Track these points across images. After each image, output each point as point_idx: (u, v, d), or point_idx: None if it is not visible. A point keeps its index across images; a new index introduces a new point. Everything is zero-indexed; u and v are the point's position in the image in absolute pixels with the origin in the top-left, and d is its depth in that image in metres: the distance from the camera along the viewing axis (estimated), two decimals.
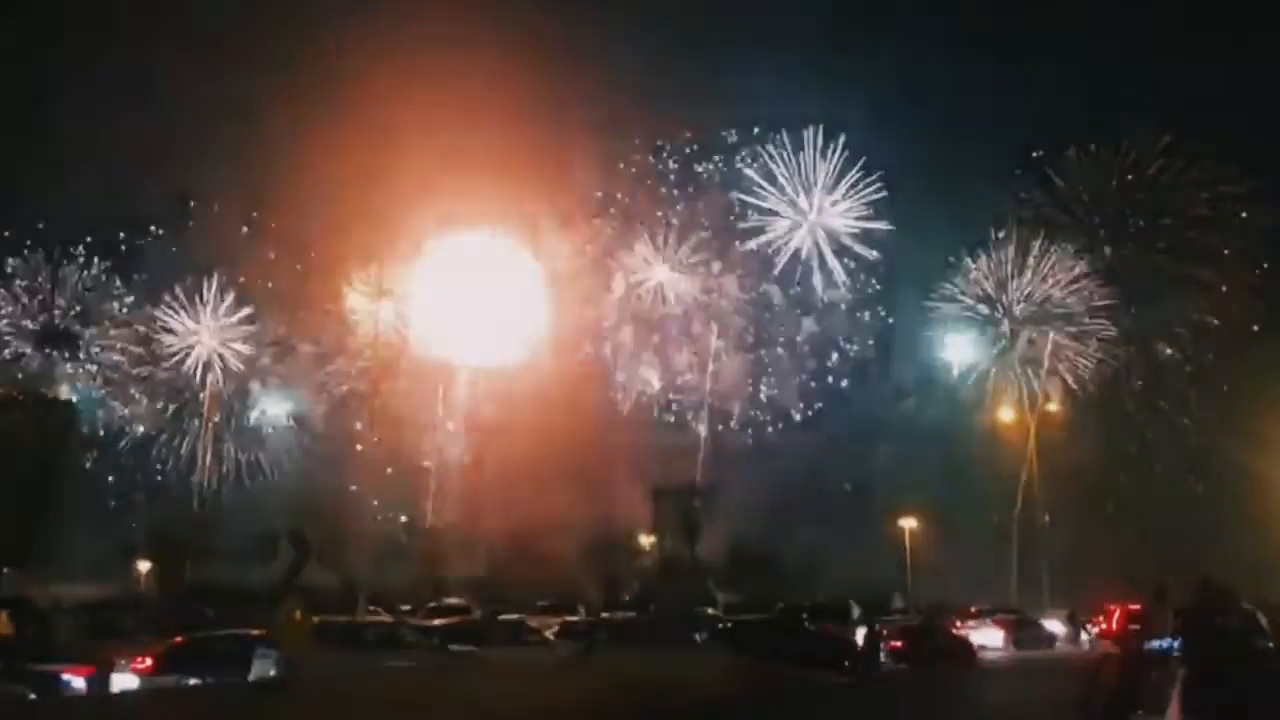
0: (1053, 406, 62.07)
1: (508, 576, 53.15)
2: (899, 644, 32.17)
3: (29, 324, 60.39)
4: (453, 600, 47.58)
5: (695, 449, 63.70)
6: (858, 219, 63.33)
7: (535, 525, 55.19)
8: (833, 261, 64.07)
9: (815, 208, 63.86)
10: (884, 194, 62.60)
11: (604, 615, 42.61)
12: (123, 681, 23.73)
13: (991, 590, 56.59)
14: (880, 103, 60.68)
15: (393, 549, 54.40)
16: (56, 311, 60.62)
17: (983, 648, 38.31)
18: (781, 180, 63.40)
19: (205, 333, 60.90)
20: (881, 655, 30.43)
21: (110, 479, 59.98)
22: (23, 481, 44.13)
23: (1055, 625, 45.13)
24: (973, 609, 47.87)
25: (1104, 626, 38.26)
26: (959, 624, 41.98)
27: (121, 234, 62.45)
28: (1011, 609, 47.75)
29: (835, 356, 64.88)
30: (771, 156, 63.40)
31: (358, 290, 61.06)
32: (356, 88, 53.38)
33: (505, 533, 55.79)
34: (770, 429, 63.95)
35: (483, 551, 56.57)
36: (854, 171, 62.95)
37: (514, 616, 37.92)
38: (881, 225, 63.06)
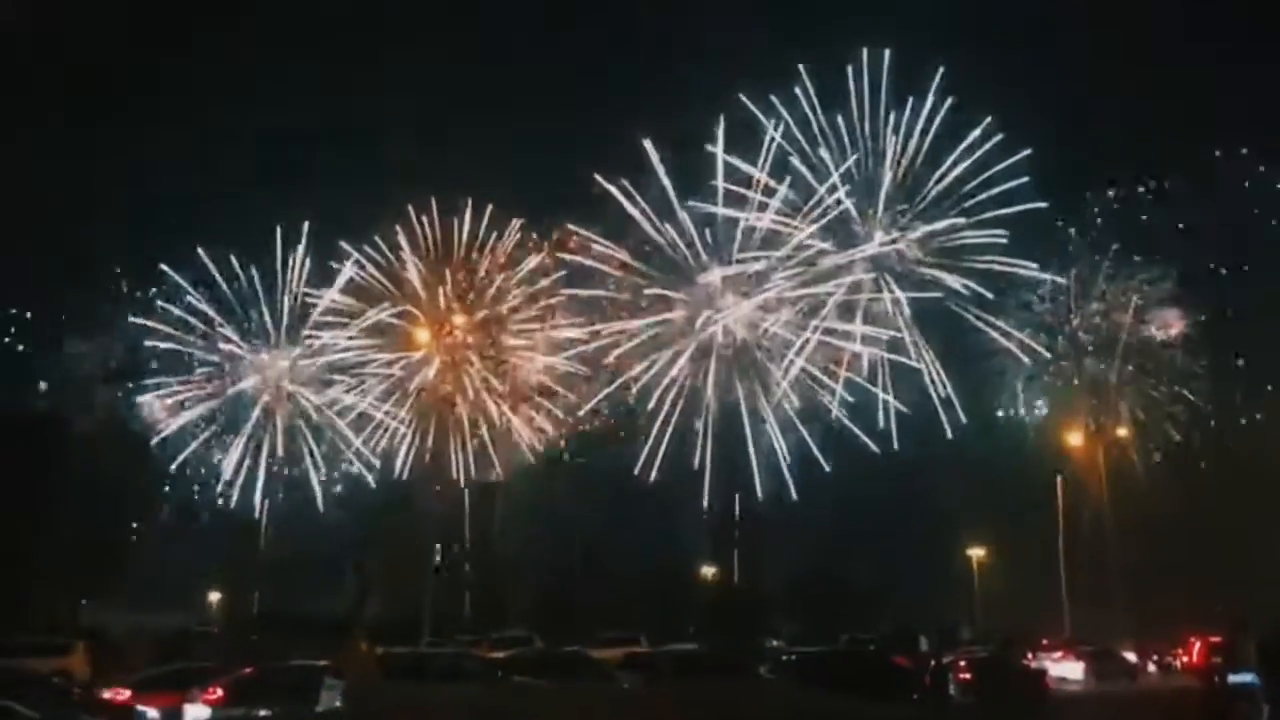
0: (1122, 431, 60.73)
1: (569, 607, 53.17)
2: (968, 676, 31.45)
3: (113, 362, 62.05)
4: (514, 632, 47.74)
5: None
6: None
7: (597, 554, 55.43)
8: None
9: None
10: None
11: (666, 647, 42.35)
12: (194, 713, 24.11)
13: (1061, 622, 55.35)
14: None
15: (455, 580, 54.76)
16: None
17: (1063, 680, 37.37)
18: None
19: (275, 364, 62.36)
20: (951, 687, 29.80)
21: (183, 511, 61.16)
22: (103, 513, 45.29)
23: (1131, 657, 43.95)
24: (1044, 640, 46.85)
25: (1184, 659, 37.08)
26: (1035, 656, 41.03)
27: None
28: (1083, 641, 46.57)
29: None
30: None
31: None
32: None
33: (567, 562, 55.90)
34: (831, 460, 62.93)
35: (544, 582, 56.67)
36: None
37: (575, 648, 37.88)
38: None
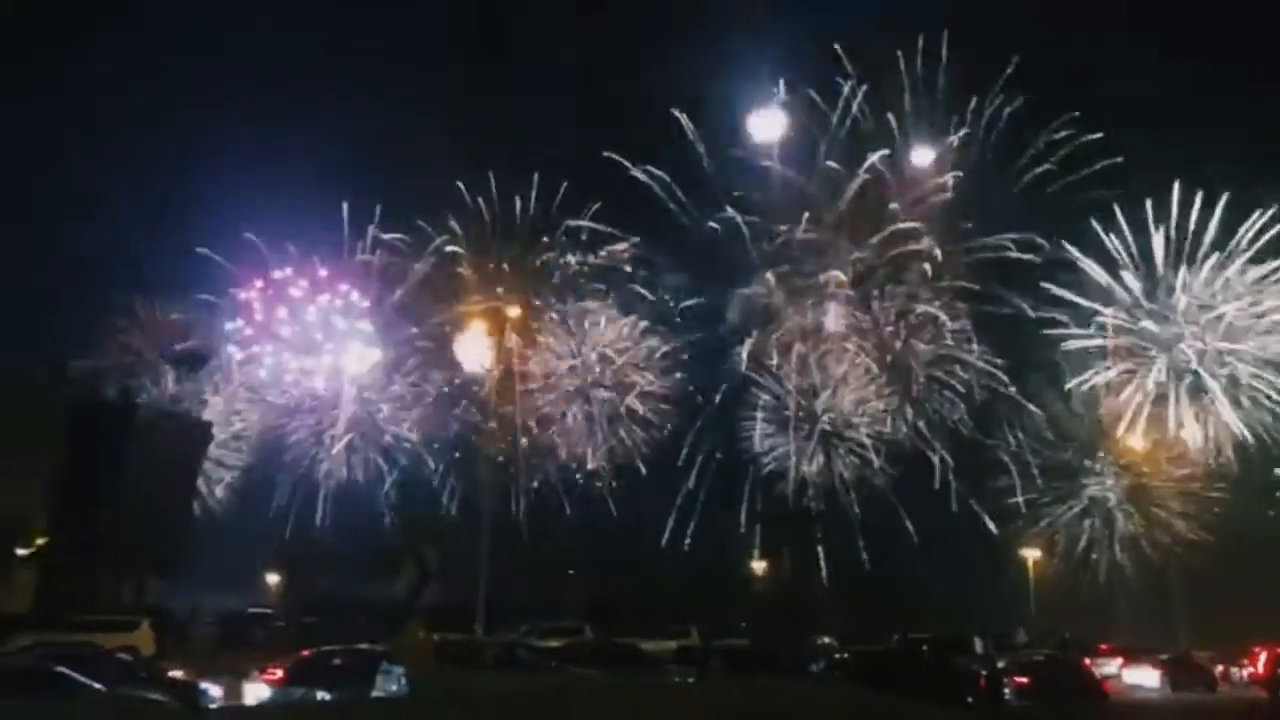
0: (1186, 434, 59.32)
1: (622, 599, 53.34)
2: (1025, 680, 31.03)
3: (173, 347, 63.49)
4: (567, 622, 48.00)
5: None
6: None
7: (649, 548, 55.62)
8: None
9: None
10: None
11: (717, 641, 42.32)
12: (254, 691, 24.63)
13: (1122, 627, 54.42)
14: None
15: (509, 568, 55.05)
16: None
17: (1137, 687, 36.67)
18: None
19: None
20: (1006, 692, 29.42)
21: (243, 494, 62.35)
22: (168, 496, 46.24)
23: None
24: (1101, 646, 46.06)
25: (1251, 670, 36.15)
26: (1094, 661, 40.38)
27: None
28: (1138, 646, 45.61)
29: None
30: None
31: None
32: None
33: (620, 555, 56.04)
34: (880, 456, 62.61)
35: (598, 574, 56.89)
36: None
37: (627, 640, 38.01)
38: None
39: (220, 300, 64.09)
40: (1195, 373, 57.94)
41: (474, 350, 59.56)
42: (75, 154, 61.35)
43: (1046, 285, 58.54)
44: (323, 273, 64.44)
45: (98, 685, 20.24)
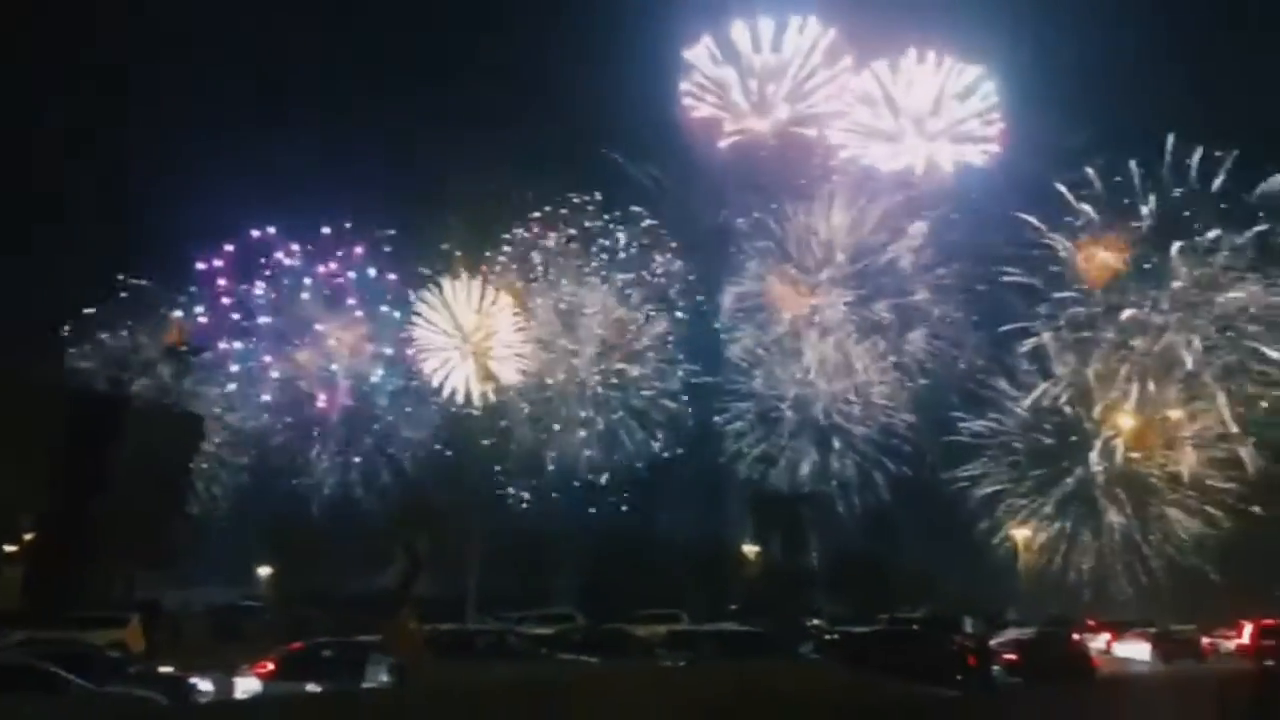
0: (1172, 414, 59.65)
1: (612, 585, 53.47)
2: (1013, 657, 31.24)
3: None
4: (557, 609, 48.07)
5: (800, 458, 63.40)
6: None
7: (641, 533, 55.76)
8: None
9: None
10: None
11: (708, 625, 42.43)
12: (245, 685, 24.57)
13: (1111, 602, 54.84)
14: None
15: (499, 556, 55.10)
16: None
17: (1129, 661, 37.00)
18: None
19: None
20: (994, 668, 29.63)
21: (234, 487, 62.30)
22: (158, 488, 46.04)
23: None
24: (1090, 621, 46.38)
25: (1237, 642, 36.45)
26: (1099, 635, 40.77)
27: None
28: (1126, 621, 45.97)
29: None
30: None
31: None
32: None
33: (611, 539, 56.16)
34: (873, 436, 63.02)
35: (588, 560, 57.00)
36: None
37: (617, 625, 38.08)
38: None
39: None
40: None
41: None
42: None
43: None
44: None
45: (86, 683, 20.18)
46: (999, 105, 63.98)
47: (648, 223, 64.65)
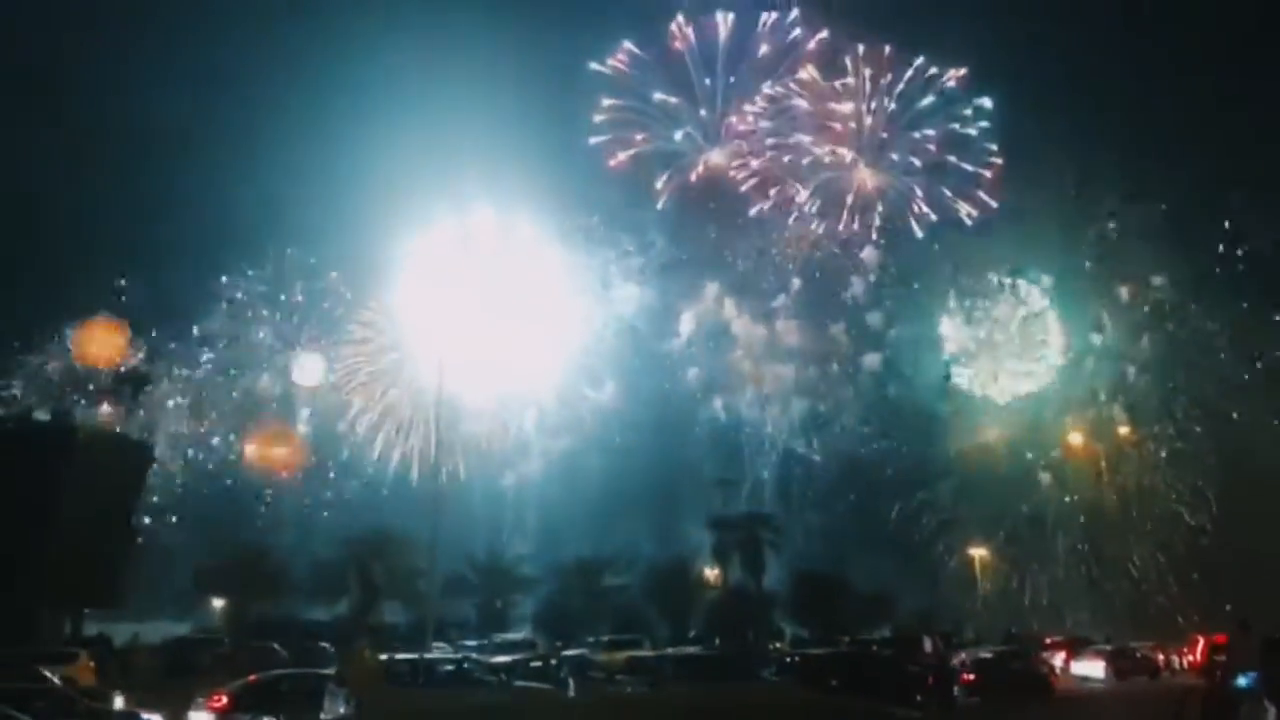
0: (1125, 430, 60.55)
1: (571, 611, 53.12)
2: (972, 676, 31.45)
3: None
4: (515, 635, 47.67)
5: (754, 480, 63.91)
6: None
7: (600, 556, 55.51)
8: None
9: None
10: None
11: (669, 650, 42.30)
12: None
13: (1067, 620, 55.37)
14: None
15: (458, 584, 54.50)
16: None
17: (1085, 679, 37.30)
18: None
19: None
20: (955, 689, 29.79)
21: (181, 518, 61.23)
22: (104, 521, 45.01)
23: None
24: (1046, 639, 46.79)
25: (1189, 658, 36.95)
26: (1055, 653, 41.08)
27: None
28: (1081, 638, 46.45)
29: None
30: None
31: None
32: None
33: (570, 565, 55.80)
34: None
35: (547, 585, 56.57)
36: None
37: (578, 651, 37.87)
38: None
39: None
40: None
41: None
42: None
43: None
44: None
45: None
46: None
47: None
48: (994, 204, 63.20)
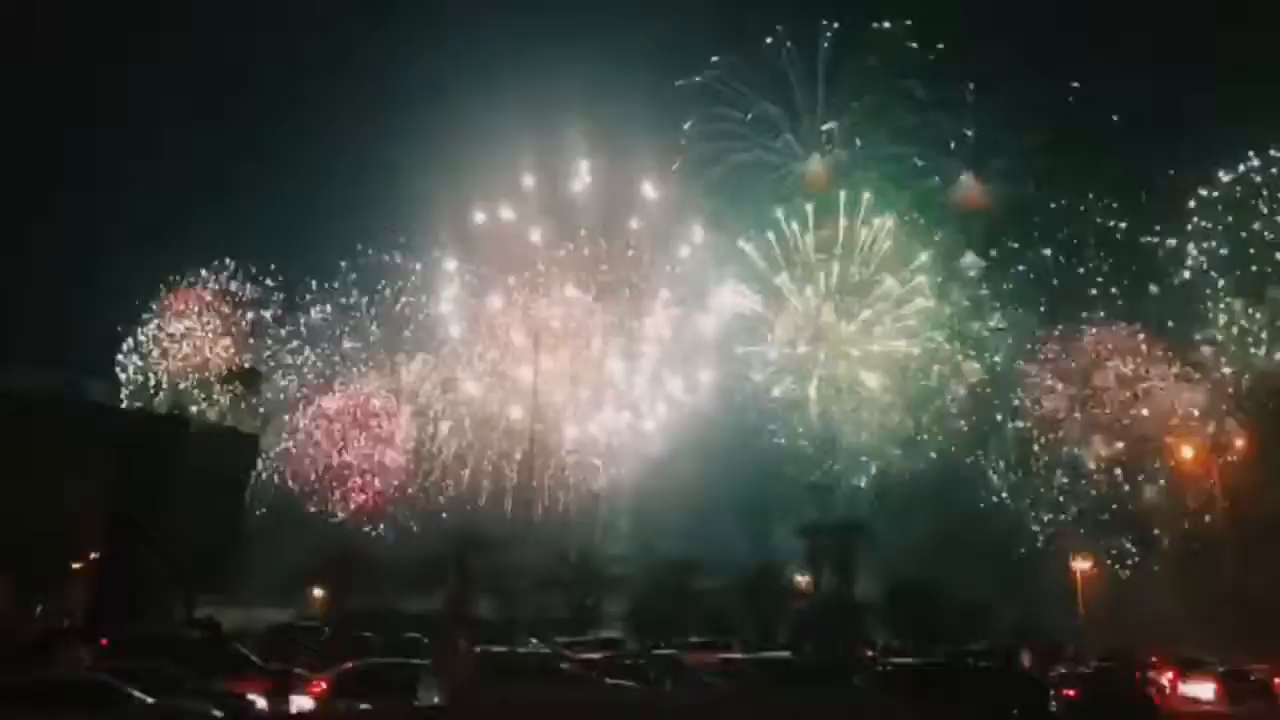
0: (1240, 443, 58.13)
1: (663, 611, 53.17)
2: (1072, 691, 30.52)
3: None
4: (607, 634, 47.85)
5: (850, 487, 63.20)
6: None
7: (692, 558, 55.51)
8: None
9: None
10: None
11: (759, 654, 41.98)
12: (299, 703, 24.85)
13: (1173, 638, 53.29)
14: None
15: (551, 581, 55.07)
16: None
17: (1195, 700, 35.94)
18: None
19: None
20: (1053, 704, 28.94)
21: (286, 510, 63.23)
22: (217, 511, 46.76)
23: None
24: (1153, 658, 45.10)
25: None
26: (1162, 673, 39.63)
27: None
28: (1192, 658, 44.57)
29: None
30: None
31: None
32: None
33: (661, 566, 55.91)
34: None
35: (639, 584, 56.80)
36: None
37: (669, 651, 37.82)
38: None
39: None
40: None
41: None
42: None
43: None
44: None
45: (145, 697, 20.62)
46: None
47: None
48: None
